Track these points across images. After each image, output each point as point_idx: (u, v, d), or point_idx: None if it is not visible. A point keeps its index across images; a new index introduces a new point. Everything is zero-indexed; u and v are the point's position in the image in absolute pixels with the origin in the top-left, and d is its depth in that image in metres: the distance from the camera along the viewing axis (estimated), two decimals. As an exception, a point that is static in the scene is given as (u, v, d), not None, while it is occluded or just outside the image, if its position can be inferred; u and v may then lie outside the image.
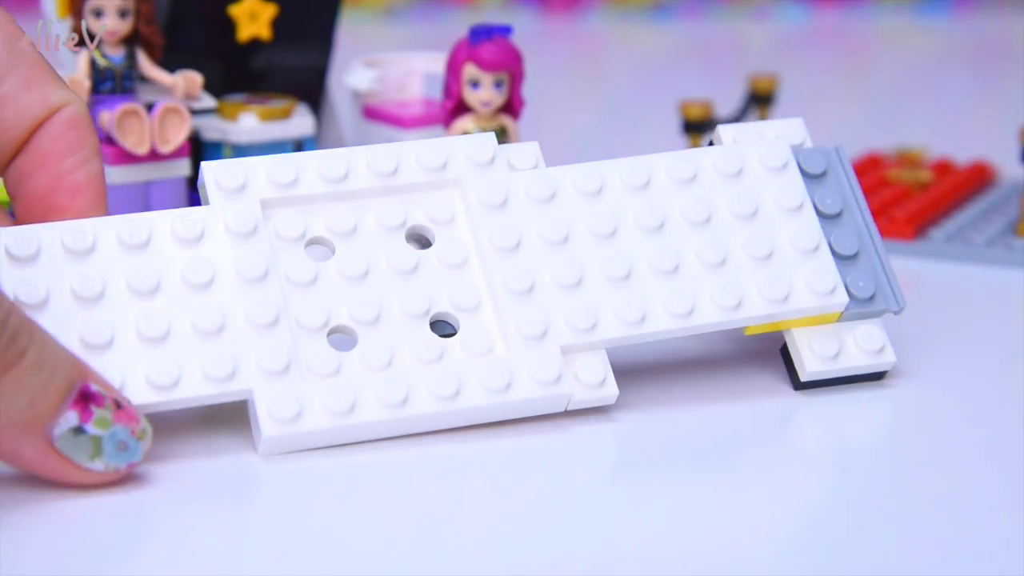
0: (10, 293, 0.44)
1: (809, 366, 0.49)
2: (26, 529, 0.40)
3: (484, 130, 0.58)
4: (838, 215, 0.51)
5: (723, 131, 0.52)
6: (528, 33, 0.65)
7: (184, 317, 0.45)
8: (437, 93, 0.61)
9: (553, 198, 0.49)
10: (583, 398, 0.47)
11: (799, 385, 0.50)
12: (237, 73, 0.65)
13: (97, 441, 0.42)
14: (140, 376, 0.44)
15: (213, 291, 0.45)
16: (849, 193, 0.52)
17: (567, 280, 0.48)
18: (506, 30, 0.58)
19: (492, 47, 0.58)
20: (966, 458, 0.46)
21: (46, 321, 0.43)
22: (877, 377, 0.51)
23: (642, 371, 0.51)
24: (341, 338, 0.46)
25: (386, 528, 0.41)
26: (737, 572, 0.39)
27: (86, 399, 0.42)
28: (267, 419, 0.44)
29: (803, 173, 0.51)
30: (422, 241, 0.49)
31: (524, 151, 0.50)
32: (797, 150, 0.52)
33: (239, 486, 0.44)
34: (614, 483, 0.46)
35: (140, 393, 0.43)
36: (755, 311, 0.49)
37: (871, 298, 0.50)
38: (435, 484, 0.44)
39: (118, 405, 0.42)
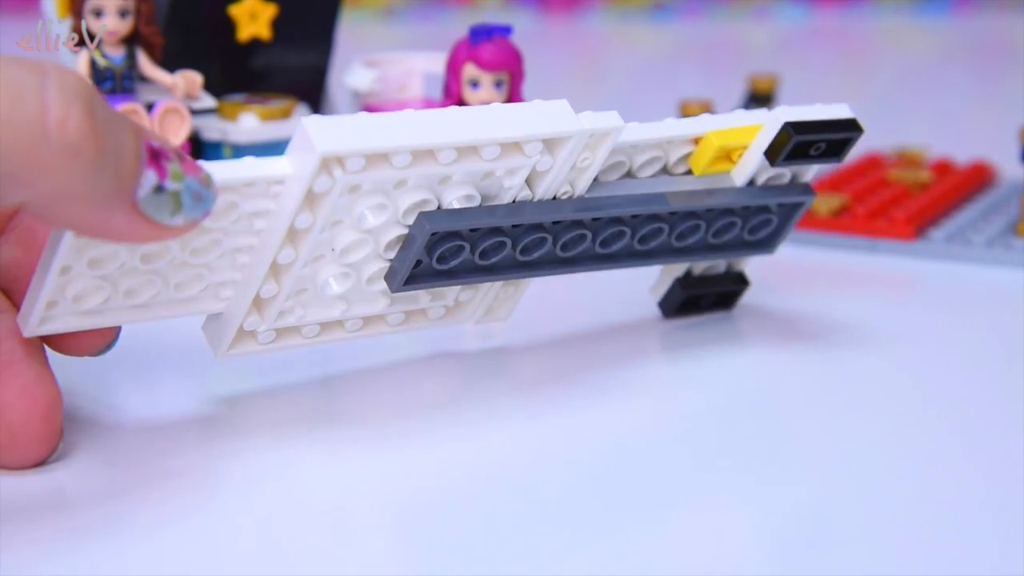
0: None
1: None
2: (28, 530, 0.40)
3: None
4: None
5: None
6: (528, 33, 0.65)
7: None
8: (437, 93, 0.61)
9: None
10: None
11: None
12: (237, 73, 0.65)
13: (176, 196, 0.41)
14: None
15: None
16: None
17: None
18: (506, 30, 0.58)
19: (492, 47, 0.58)
20: (962, 454, 0.46)
21: None
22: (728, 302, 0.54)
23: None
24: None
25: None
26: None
27: (156, 156, 0.40)
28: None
29: None
30: None
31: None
32: None
33: (240, 484, 0.44)
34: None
35: None
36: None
37: None
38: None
39: (180, 156, 0.41)
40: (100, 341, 0.45)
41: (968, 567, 0.39)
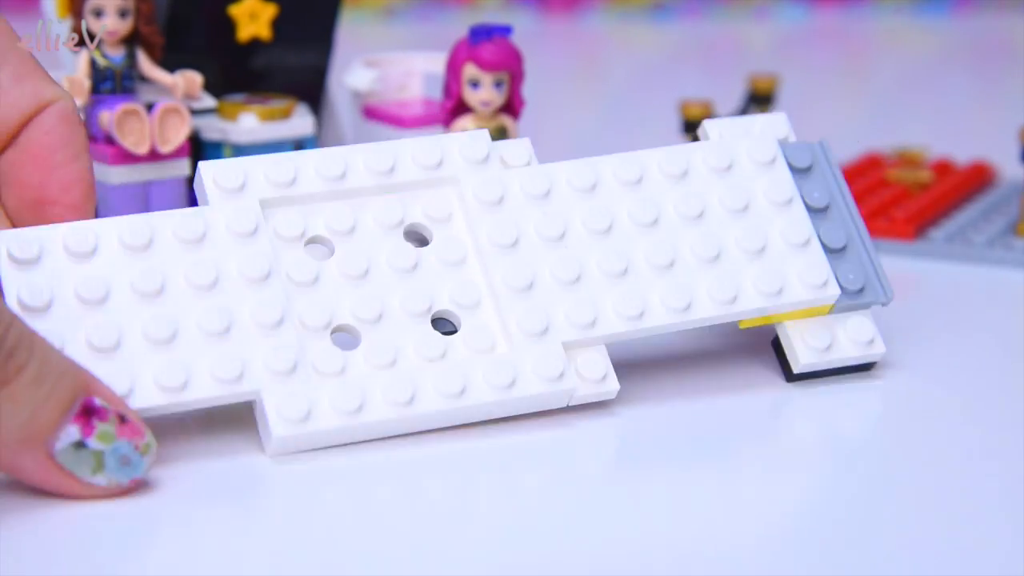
0: (13, 297, 0.43)
1: (802, 358, 0.50)
2: (30, 532, 0.40)
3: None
4: (825, 209, 0.52)
5: (709, 126, 0.52)
6: (528, 33, 0.65)
7: (190, 318, 0.45)
8: (437, 93, 0.61)
9: (548, 194, 0.49)
10: (585, 393, 0.47)
11: (791, 377, 0.50)
12: (237, 73, 0.65)
13: (99, 456, 0.41)
14: (149, 379, 0.44)
15: (218, 292, 0.45)
16: (835, 186, 0.52)
17: (566, 276, 0.48)
18: (506, 30, 0.58)
19: (492, 47, 0.58)
20: (963, 453, 0.47)
21: (51, 325, 0.43)
22: (866, 368, 0.51)
23: (639, 365, 0.51)
24: (344, 337, 0.46)
25: (394, 526, 0.42)
26: (736, 563, 0.39)
27: (89, 413, 0.41)
28: (277, 419, 0.44)
29: (790, 167, 0.52)
30: (420, 239, 0.49)
31: (517, 148, 0.50)
32: (783, 144, 0.52)
33: (247, 487, 0.44)
34: (616, 477, 0.46)
35: (149, 396, 0.43)
36: (750, 304, 0.49)
37: (860, 290, 0.51)
38: (442, 481, 0.44)
39: (122, 419, 0.42)
40: None
41: (964, 558, 0.39)
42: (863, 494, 0.44)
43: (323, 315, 0.46)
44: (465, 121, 0.59)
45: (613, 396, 0.48)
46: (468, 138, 0.50)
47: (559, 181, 0.50)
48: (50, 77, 0.48)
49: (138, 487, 0.42)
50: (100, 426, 0.41)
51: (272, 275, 0.46)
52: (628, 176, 0.50)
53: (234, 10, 0.63)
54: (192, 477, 0.44)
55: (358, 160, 0.48)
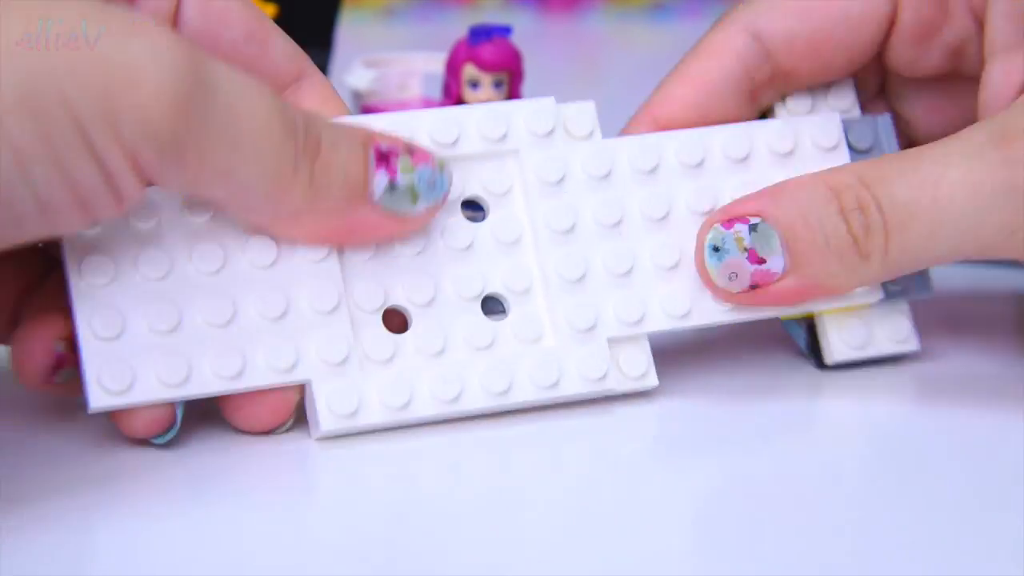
0: None
1: (837, 353, 0.50)
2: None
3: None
4: None
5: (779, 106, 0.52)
6: (528, 33, 0.65)
7: (248, 303, 0.45)
8: (437, 93, 0.61)
9: (609, 176, 0.49)
10: (625, 388, 0.48)
11: (823, 366, 0.51)
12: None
13: (411, 188, 0.44)
14: (207, 369, 0.44)
15: (273, 274, 0.45)
16: None
17: (618, 269, 0.48)
18: (506, 30, 0.58)
19: (492, 47, 0.58)
20: (968, 457, 0.47)
21: None
22: (896, 358, 0.51)
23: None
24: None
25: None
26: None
27: (384, 157, 0.44)
28: (327, 414, 0.45)
29: (851, 148, 0.52)
30: (476, 208, 0.49)
31: (582, 117, 0.50)
32: (847, 122, 0.52)
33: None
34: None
35: (207, 381, 0.44)
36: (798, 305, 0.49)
37: (903, 290, 0.51)
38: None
39: (409, 150, 0.44)
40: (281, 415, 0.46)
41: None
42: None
43: (376, 297, 0.46)
44: (465, 121, 0.58)
45: (651, 388, 0.48)
46: (534, 109, 0.49)
47: (621, 161, 0.49)
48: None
49: (446, 200, 0.46)
50: (398, 163, 0.44)
51: (329, 255, 0.46)
52: (690, 159, 0.50)
53: (234, 10, 0.63)
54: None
55: (422, 129, 0.47)
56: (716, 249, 0.47)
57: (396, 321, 0.47)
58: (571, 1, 1.30)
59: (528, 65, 0.59)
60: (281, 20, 0.64)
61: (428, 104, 0.66)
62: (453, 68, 0.58)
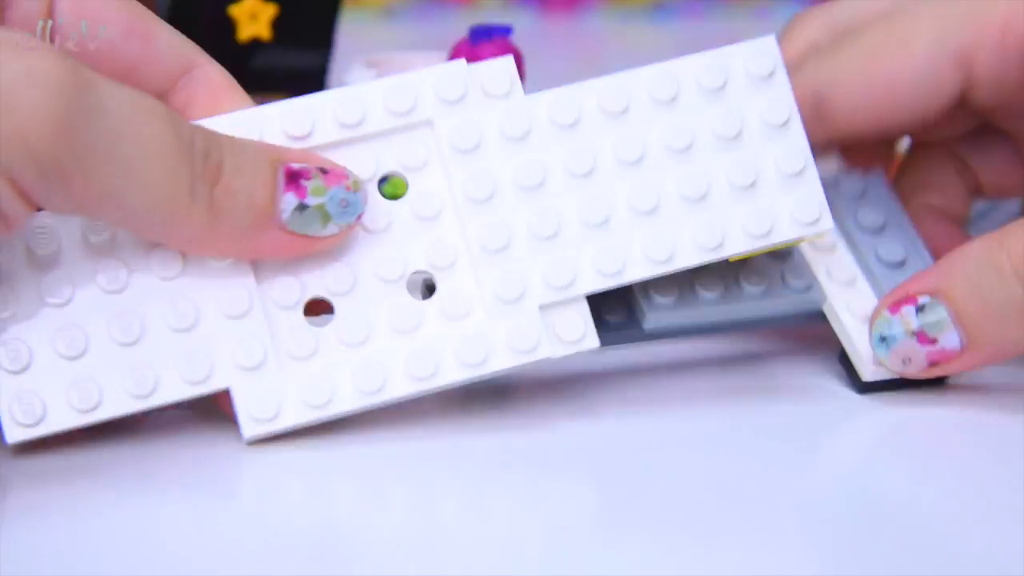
0: None
1: (869, 374, 0.49)
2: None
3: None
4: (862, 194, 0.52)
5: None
6: (528, 33, 0.65)
7: (155, 315, 0.44)
8: (437, 93, 0.61)
9: (528, 135, 0.47)
10: (562, 353, 0.46)
11: (862, 388, 0.50)
12: (237, 73, 0.65)
13: (322, 208, 0.43)
14: (118, 386, 0.44)
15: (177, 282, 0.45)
16: None
17: (544, 232, 0.47)
18: (506, 30, 0.58)
19: (492, 47, 0.57)
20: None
21: None
22: (939, 382, 0.50)
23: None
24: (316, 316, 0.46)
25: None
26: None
27: (294, 177, 0.43)
28: (247, 420, 0.44)
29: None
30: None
31: (497, 73, 0.48)
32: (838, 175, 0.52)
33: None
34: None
35: (120, 402, 0.44)
36: (737, 247, 0.48)
37: (902, 263, 0.50)
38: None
39: (323, 170, 0.43)
40: None
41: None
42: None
43: (293, 292, 0.46)
44: (465, 121, 0.58)
45: (594, 348, 0.47)
46: (443, 74, 0.47)
47: (539, 118, 0.48)
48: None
49: (360, 221, 0.45)
50: (308, 184, 0.43)
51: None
52: (613, 106, 0.48)
53: (234, 10, 0.63)
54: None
55: (326, 113, 0.46)
56: (883, 339, 0.47)
57: (323, 308, 0.46)
58: (571, 1, 1.30)
59: (528, 65, 0.58)
60: (281, 20, 0.64)
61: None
62: (453, 68, 0.58)
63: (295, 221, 0.43)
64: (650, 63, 0.48)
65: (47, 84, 0.38)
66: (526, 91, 0.58)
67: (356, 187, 0.44)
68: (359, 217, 0.44)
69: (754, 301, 0.50)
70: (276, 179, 0.43)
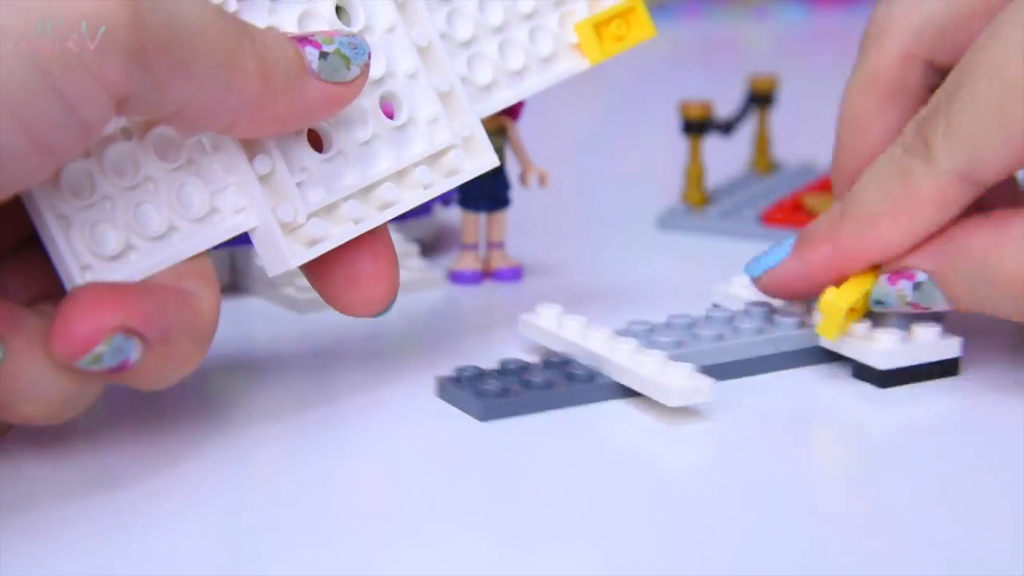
0: None
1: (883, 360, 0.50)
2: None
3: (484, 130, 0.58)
4: None
5: None
6: (528, 33, 0.64)
7: None
8: (437, 93, 0.61)
9: None
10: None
11: (884, 381, 0.50)
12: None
13: (339, 52, 0.45)
14: None
15: None
16: None
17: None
18: (506, 30, 0.58)
19: (492, 47, 0.57)
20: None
21: None
22: (952, 372, 0.51)
23: None
24: None
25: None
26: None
27: (302, 39, 0.45)
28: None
29: None
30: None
31: None
32: None
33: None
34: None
35: None
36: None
37: None
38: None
39: (316, 32, 0.46)
40: (380, 297, 0.47)
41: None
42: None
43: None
44: (465, 121, 0.58)
45: None
46: None
47: None
48: None
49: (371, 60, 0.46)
50: (317, 38, 0.45)
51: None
52: None
53: (234, 10, 0.63)
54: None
55: None
56: (879, 303, 0.49)
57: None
58: (571, 1, 1.30)
59: (528, 65, 0.58)
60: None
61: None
62: (453, 68, 0.58)
63: (324, 68, 0.45)
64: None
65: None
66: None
67: (349, 32, 0.46)
68: (369, 55, 0.46)
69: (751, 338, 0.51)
70: (293, 41, 0.45)
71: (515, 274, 0.62)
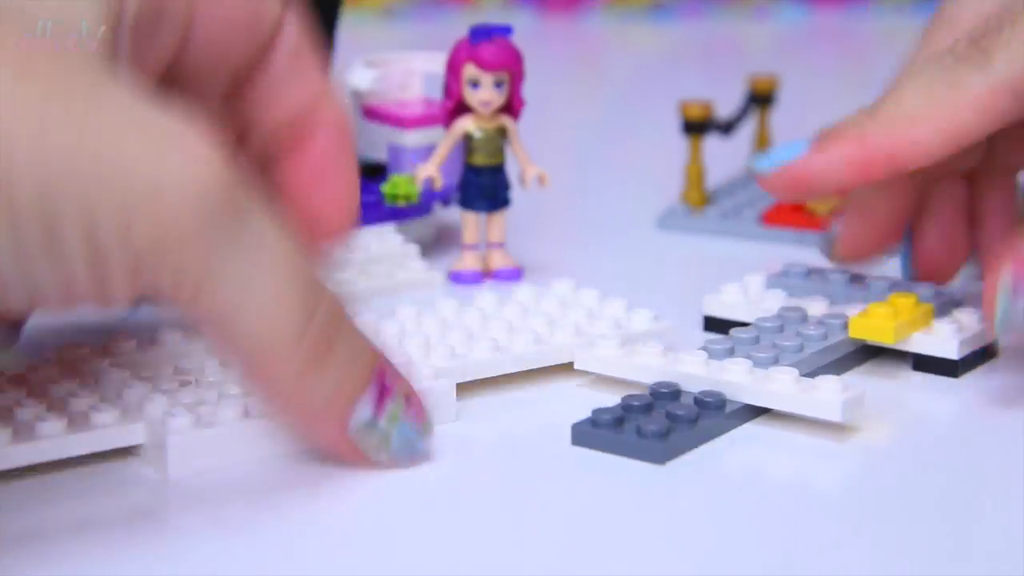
0: None
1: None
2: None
3: (484, 130, 0.58)
4: None
5: None
6: (528, 33, 0.65)
7: None
8: (437, 93, 0.61)
9: None
10: None
11: (958, 371, 0.51)
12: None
13: (387, 437, 0.42)
14: None
15: None
16: None
17: None
18: (506, 30, 0.58)
19: (492, 47, 0.58)
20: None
21: None
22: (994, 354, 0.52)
23: None
24: None
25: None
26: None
27: (382, 392, 0.42)
28: None
29: None
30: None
31: None
32: None
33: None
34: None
35: None
36: None
37: None
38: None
39: (408, 398, 0.42)
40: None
41: None
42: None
43: None
44: (465, 121, 0.59)
45: None
46: None
47: None
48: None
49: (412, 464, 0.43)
50: (389, 406, 0.42)
51: None
52: None
53: (234, 10, 0.63)
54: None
55: None
56: (1005, 314, 0.47)
57: None
58: (571, 1, 1.30)
59: (528, 65, 0.59)
60: (281, 20, 0.64)
61: (428, 104, 0.66)
62: (453, 68, 0.58)
63: (359, 432, 0.42)
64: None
65: (198, 186, 0.37)
66: (526, 91, 0.59)
67: (426, 430, 0.43)
68: (411, 461, 0.43)
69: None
70: (368, 384, 0.42)
71: (515, 274, 0.62)
